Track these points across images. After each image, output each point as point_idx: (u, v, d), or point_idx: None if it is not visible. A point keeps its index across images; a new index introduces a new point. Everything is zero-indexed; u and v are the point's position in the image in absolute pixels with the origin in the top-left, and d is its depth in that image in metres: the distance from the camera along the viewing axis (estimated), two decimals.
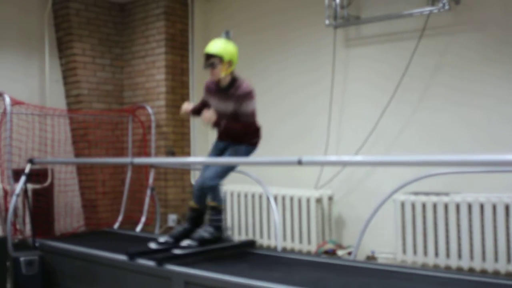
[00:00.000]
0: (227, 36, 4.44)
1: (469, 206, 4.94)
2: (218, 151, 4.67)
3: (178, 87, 7.22)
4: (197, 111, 4.72)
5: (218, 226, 4.58)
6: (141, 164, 6.84)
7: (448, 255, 5.03)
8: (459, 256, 4.97)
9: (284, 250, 5.95)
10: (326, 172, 6.03)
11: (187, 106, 4.73)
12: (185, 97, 7.23)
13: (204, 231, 4.53)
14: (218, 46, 4.31)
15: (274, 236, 6.03)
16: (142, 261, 4.30)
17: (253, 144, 4.56)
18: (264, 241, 6.28)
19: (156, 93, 7.16)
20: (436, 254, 5.09)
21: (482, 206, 4.88)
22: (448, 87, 5.35)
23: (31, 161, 5.56)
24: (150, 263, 4.21)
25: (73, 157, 7.14)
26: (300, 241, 5.98)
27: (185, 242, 4.45)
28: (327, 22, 5.93)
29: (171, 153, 7.04)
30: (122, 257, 4.49)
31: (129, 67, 7.50)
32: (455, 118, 5.31)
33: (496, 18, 5.10)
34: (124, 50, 7.55)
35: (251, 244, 4.97)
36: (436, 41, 5.42)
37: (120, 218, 6.88)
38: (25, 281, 5.01)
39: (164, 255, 4.33)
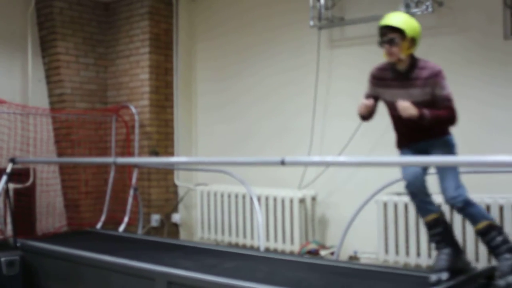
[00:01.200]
0: (408, 10, 3.66)
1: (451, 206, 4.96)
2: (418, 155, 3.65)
3: (162, 87, 7.20)
4: (370, 111, 3.77)
5: (511, 248, 3.45)
6: (124, 164, 6.82)
7: (430, 255, 5.06)
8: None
9: (267, 250, 5.96)
10: (310, 172, 6.05)
11: (369, 102, 3.67)
12: (169, 97, 7.21)
13: (509, 259, 3.39)
14: (400, 18, 3.49)
15: (257, 236, 6.04)
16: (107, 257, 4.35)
17: (449, 133, 3.65)
18: (247, 241, 6.28)
19: (140, 92, 7.14)
20: (418, 254, 5.12)
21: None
22: None
23: (12, 160, 5.51)
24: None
25: (56, 156, 7.09)
26: (283, 241, 5.99)
27: (502, 280, 3.35)
28: (311, 23, 5.95)
29: (155, 153, 7.03)
30: (105, 257, 4.43)
31: (113, 66, 7.47)
32: None
33: (479, 21, 5.15)
34: (108, 50, 7.52)
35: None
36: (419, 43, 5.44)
37: (103, 218, 6.85)
38: (5, 282, 4.97)
39: None
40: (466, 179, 4.82)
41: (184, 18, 7.35)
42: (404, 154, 3.73)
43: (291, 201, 5.91)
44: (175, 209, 7.22)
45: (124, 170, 7.08)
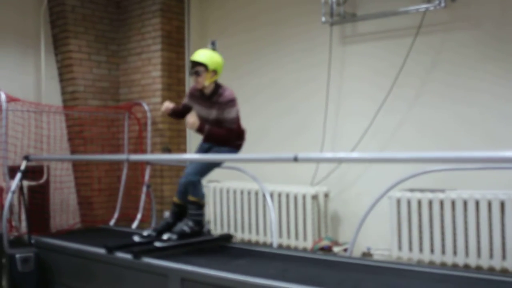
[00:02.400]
0: (213, 46, 4.74)
1: (465, 203, 4.95)
2: (203, 151, 4.84)
3: (174, 84, 7.21)
4: (177, 113, 4.93)
5: (198, 221, 4.75)
6: (137, 161, 6.84)
7: (443, 251, 5.04)
8: (454, 252, 4.98)
9: (280, 246, 5.96)
10: (322, 169, 6.04)
11: (168, 105, 4.85)
12: (181, 94, 7.22)
13: (184, 225, 4.69)
14: (203, 54, 4.49)
15: (270, 233, 6.03)
16: (120, 254, 4.51)
17: (236, 147, 4.73)
18: (260, 237, 6.29)
19: (152, 90, 7.16)
20: (432, 250, 5.10)
21: (477, 203, 4.89)
22: (444, 84, 5.36)
23: (26, 158, 5.55)
24: (127, 256, 4.39)
25: (69, 154, 7.13)
26: (296, 237, 5.98)
27: (165, 236, 4.61)
28: (323, 19, 5.93)
29: (167, 150, 7.04)
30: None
31: (125, 64, 7.49)
32: (451, 115, 5.31)
33: (492, 15, 5.11)
34: (120, 47, 7.54)
35: (228, 238, 5.17)
36: (432, 38, 5.42)
37: (116, 215, 6.88)
38: (20, 278, 5.01)
39: (143, 248, 4.52)
40: (482, 175, 4.83)
41: (196, 15, 7.36)
42: (200, 146, 4.89)
43: (304, 197, 5.91)
44: None
45: (136, 167, 7.10)
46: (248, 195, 6.42)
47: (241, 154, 4.73)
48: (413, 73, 5.50)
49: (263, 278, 3.61)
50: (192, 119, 4.53)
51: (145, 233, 4.86)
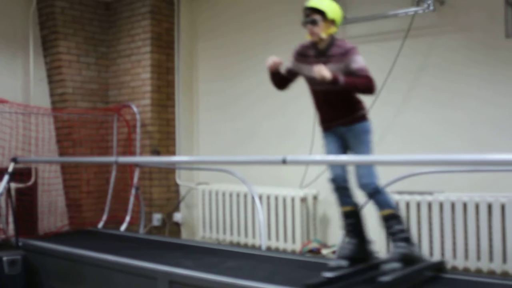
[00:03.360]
0: None
1: (452, 205, 4.98)
2: (336, 144, 3.90)
3: (164, 86, 7.20)
4: (279, 78, 4.04)
5: (408, 238, 3.75)
6: (125, 163, 6.82)
7: (431, 253, 5.06)
8: (442, 254, 5.00)
9: (269, 249, 5.96)
10: (311, 171, 6.05)
11: (275, 59, 3.90)
12: (170, 96, 7.22)
13: (400, 248, 3.69)
14: (323, 1, 3.73)
15: (259, 235, 6.03)
16: None
17: (366, 119, 3.85)
18: (248, 240, 6.29)
19: (141, 92, 7.14)
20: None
21: (465, 205, 4.92)
22: (432, 88, 5.38)
23: (14, 160, 5.52)
24: None
25: (57, 156, 7.10)
26: (285, 240, 5.99)
27: (387, 266, 3.59)
28: None
29: (156, 152, 7.03)
30: (107, 257, 4.42)
31: (115, 65, 7.47)
32: (439, 119, 5.34)
33: (481, 20, 5.14)
34: (110, 49, 7.52)
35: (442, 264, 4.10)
36: (420, 42, 5.45)
37: (104, 217, 6.84)
38: (7, 281, 4.98)
39: (366, 284, 3.52)
40: (469, 178, 4.86)
41: (186, 17, 7.35)
42: (327, 139, 3.94)
43: (293, 200, 5.91)
44: (176, 208, 7.22)
45: (125, 170, 7.08)
46: (237, 198, 6.42)
47: (229, 156, 4.73)
48: (401, 77, 5.52)
49: (251, 281, 3.61)
50: (319, 67, 3.57)
51: (333, 264, 3.76)
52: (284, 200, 5.99)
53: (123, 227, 6.57)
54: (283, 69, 4.00)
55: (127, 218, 6.65)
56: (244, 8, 6.89)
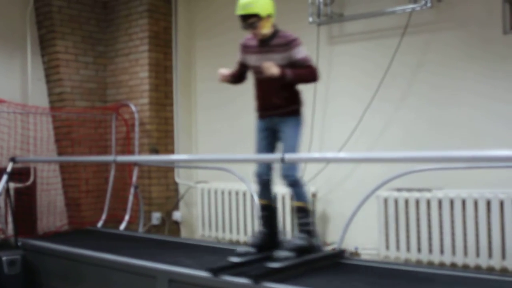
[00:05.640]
0: None
1: (451, 202, 4.98)
2: (266, 133, 4.16)
3: (162, 85, 7.20)
4: (237, 76, 4.29)
5: (311, 231, 4.08)
6: (124, 162, 6.82)
7: (430, 250, 5.07)
8: (441, 251, 5.01)
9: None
10: (310, 169, 6.04)
11: (224, 71, 4.18)
12: (168, 95, 7.21)
13: (298, 239, 4.03)
14: (250, 3, 3.89)
15: None
16: (231, 278, 3.69)
17: (300, 114, 4.12)
18: (248, 238, 6.28)
19: (139, 91, 7.14)
20: (419, 249, 5.13)
21: (463, 202, 4.93)
22: (430, 84, 5.38)
23: (13, 159, 5.52)
24: (243, 281, 3.58)
25: (56, 155, 7.09)
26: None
27: (280, 253, 3.86)
28: (310, 19, 5.94)
29: (155, 151, 7.03)
30: (106, 256, 4.40)
31: (112, 65, 7.46)
32: (437, 115, 5.34)
33: (478, 16, 5.14)
34: (107, 48, 7.51)
35: (341, 253, 4.47)
36: (418, 38, 5.45)
37: (103, 216, 6.85)
38: (7, 281, 4.98)
39: (258, 270, 3.69)
40: (468, 175, 4.86)
41: (183, 16, 7.34)
42: (259, 125, 4.20)
43: (292, 198, 5.90)
44: (175, 207, 7.22)
45: (124, 169, 7.08)
46: (236, 196, 6.41)
47: (228, 154, 4.73)
48: (399, 73, 5.52)
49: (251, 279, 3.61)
50: (267, 63, 3.83)
51: (241, 249, 4.09)
52: (283, 198, 5.98)
53: (122, 226, 6.58)
54: (233, 68, 4.28)
55: (126, 217, 6.66)
56: None
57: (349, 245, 5.63)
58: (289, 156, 3.59)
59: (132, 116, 7.05)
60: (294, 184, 4.04)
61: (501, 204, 4.77)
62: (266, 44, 3.99)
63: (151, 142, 7.07)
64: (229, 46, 6.92)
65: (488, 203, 4.82)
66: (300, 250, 3.94)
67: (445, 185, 5.12)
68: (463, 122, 5.20)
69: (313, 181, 6.04)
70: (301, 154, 4.11)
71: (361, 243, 5.64)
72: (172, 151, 7.24)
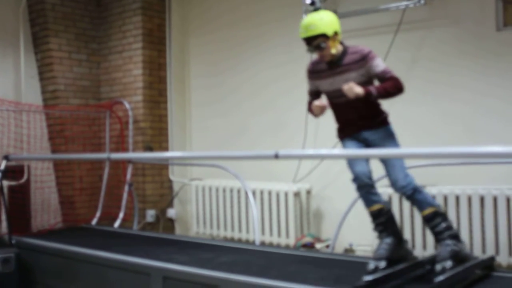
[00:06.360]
0: (315, 5, 3.78)
1: (445, 198, 5.00)
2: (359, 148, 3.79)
3: (156, 82, 7.18)
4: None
5: (455, 235, 3.62)
6: (118, 159, 6.81)
7: (424, 246, 5.08)
8: (436, 247, 5.01)
9: (262, 244, 5.97)
10: (304, 166, 6.05)
11: (320, 103, 3.68)
12: (162, 92, 7.20)
13: (448, 246, 3.53)
14: (314, 24, 3.59)
15: (253, 230, 6.04)
16: None
17: (389, 123, 3.83)
18: (242, 235, 6.29)
19: (133, 88, 7.12)
20: (413, 245, 5.14)
21: (457, 198, 4.95)
22: (424, 80, 5.39)
23: (6, 157, 5.50)
24: None
25: (50, 153, 7.07)
26: (279, 234, 5.99)
27: (438, 265, 3.42)
28: (304, 16, 5.93)
29: (149, 148, 7.02)
30: (101, 253, 4.39)
31: (106, 62, 7.44)
32: (432, 111, 5.36)
33: (471, 13, 5.15)
34: (101, 45, 7.49)
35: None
36: (412, 35, 5.46)
37: (98, 214, 6.83)
38: (1, 279, 4.97)
39: (414, 283, 3.42)
40: (462, 171, 4.88)
41: (177, 13, 7.33)
42: (348, 145, 3.82)
43: (286, 194, 5.92)
44: (170, 204, 7.22)
45: (118, 166, 7.07)
46: (230, 193, 6.42)
47: (222, 151, 4.72)
48: (393, 69, 5.50)
49: (245, 276, 3.62)
50: (347, 85, 3.49)
51: (371, 266, 3.53)
52: (278, 195, 5.99)
53: (116, 224, 6.57)
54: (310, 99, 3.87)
55: (121, 215, 6.65)
56: (235, 3, 6.87)
57: (343, 241, 5.65)
58: (282, 152, 3.56)
59: (126, 114, 7.04)
60: (415, 192, 3.60)
61: (495, 200, 4.79)
62: (338, 65, 3.66)
63: (145, 140, 7.06)
64: (223, 43, 6.95)
65: (482, 199, 4.84)
66: (456, 258, 3.47)
67: (438, 181, 5.13)
68: (456, 118, 5.22)
69: (308, 177, 6.05)
70: (295, 150, 4.11)
71: (356, 240, 5.65)
72: (166, 149, 7.23)
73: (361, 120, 3.71)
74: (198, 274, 3.81)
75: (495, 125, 4.98)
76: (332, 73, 3.68)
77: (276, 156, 3.52)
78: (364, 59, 3.59)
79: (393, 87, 3.56)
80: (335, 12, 5.84)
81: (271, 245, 5.97)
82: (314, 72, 3.80)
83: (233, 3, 6.90)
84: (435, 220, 3.59)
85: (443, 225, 3.58)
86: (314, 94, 3.84)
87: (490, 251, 4.76)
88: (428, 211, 3.59)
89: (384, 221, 3.72)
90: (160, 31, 7.23)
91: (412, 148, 3.63)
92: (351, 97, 3.49)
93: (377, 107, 3.76)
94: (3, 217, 5.75)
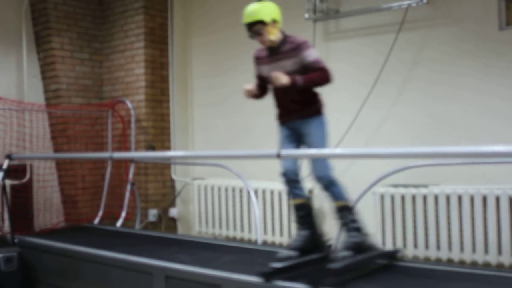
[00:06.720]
0: None
1: (447, 198, 4.99)
2: (291, 138, 4.05)
3: (158, 81, 7.19)
4: (259, 90, 4.16)
5: (359, 228, 3.88)
6: (120, 158, 6.81)
7: (427, 246, 5.08)
8: (438, 247, 5.02)
9: (265, 243, 5.96)
10: (306, 165, 6.04)
11: (249, 86, 4.05)
12: (164, 91, 7.20)
13: (351, 237, 3.82)
14: (254, 11, 3.83)
15: (255, 230, 6.04)
16: (285, 284, 3.44)
17: (322, 114, 4.00)
18: (244, 234, 6.29)
19: (135, 87, 7.13)
20: (415, 245, 5.14)
21: (460, 198, 4.94)
22: (426, 80, 5.38)
23: (9, 156, 5.51)
24: (300, 286, 3.35)
25: (52, 152, 7.08)
26: (281, 234, 5.99)
27: (339, 254, 3.71)
28: (306, 15, 5.94)
29: (151, 148, 7.02)
30: (103, 252, 4.38)
31: (108, 61, 7.45)
32: (434, 111, 5.35)
33: (474, 12, 5.14)
34: (103, 44, 7.50)
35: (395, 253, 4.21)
36: (414, 34, 5.45)
37: (100, 213, 6.84)
38: (4, 278, 4.98)
39: (318, 274, 3.44)
40: (464, 170, 4.87)
41: (179, 12, 7.33)
42: (282, 131, 4.09)
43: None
44: (172, 204, 7.22)
45: (120, 165, 7.07)
46: (232, 192, 6.42)
47: (224, 151, 4.72)
48: (395, 69, 5.52)
49: (247, 275, 3.62)
50: (275, 74, 3.73)
51: (282, 254, 3.83)
52: (280, 194, 5.99)
53: (119, 223, 6.58)
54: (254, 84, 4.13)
55: (123, 214, 6.66)
56: (237, 4, 6.84)
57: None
58: (284, 152, 3.57)
59: (128, 113, 7.05)
60: (330, 184, 3.86)
61: (497, 200, 4.78)
62: (276, 52, 3.91)
63: (148, 139, 7.07)
64: (225, 43, 6.95)
65: (484, 199, 4.83)
66: (356, 248, 3.75)
67: (441, 181, 5.13)
68: (459, 118, 5.21)
69: (310, 177, 6.04)
70: (297, 150, 4.10)
71: None
72: (168, 148, 7.23)
73: (295, 105, 3.94)
74: (200, 273, 3.81)
75: (498, 124, 4.98)
76: (271, 60, 3.94)
77: (278, 156, 3.52)
78: (298, 48, 3.82)
79: (319, 77, 3.78)
80: (337, 11, 5.87)
81: (273, 244, 5.98)
82: (257, 58, 4.09)
83: (234, 4, 6.88)
84: (343, 212, 3.87)
85: (350, 218, 3.86)
86: (259, 79, 4.13)
87: (492, 251, 4.76)
88: (339, 204, 3.87)
89: (303, 215, 4.00)
90: (162, 30, 7.23)
91: (414, 148, 3.63)
92: (277, 85, 3.75)
93: (311, 95, 3.96)
94: (6, 216, 5.75)
